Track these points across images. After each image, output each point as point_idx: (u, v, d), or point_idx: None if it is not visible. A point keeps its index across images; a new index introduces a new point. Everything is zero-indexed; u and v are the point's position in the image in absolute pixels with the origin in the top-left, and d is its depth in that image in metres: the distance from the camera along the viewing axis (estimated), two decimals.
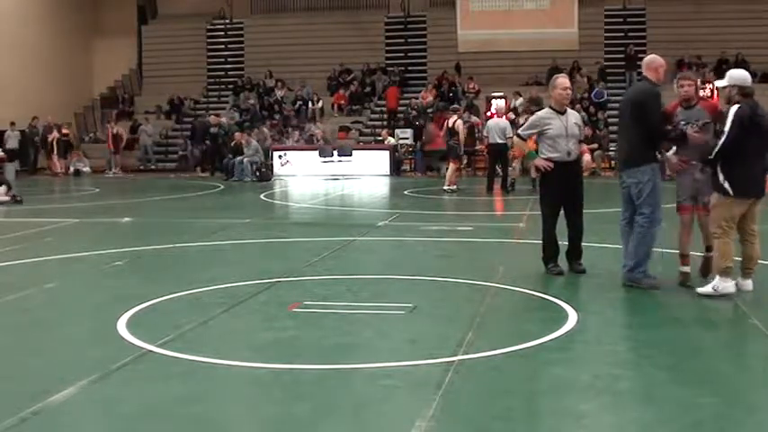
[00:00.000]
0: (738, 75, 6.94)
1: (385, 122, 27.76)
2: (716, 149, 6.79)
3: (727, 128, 6.76)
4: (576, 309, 6.52)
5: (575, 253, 8.04)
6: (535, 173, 17.46)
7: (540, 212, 8.22)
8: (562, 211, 8.06)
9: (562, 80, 8.05)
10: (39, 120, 26.98)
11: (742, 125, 6.68)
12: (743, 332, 6.11)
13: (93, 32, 32.77)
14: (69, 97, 30.15)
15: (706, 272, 7.47)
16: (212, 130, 25.38)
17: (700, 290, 6.90)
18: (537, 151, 8.05)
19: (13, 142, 25.79)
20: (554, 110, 7.99)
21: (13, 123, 26.05)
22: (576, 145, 7.97)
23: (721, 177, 6.83)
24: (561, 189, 7.96)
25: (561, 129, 7.84)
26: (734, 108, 6.79)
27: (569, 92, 8.08)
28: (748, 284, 7.02)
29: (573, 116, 8.09)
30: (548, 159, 7.89)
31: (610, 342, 5.80)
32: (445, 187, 17.77)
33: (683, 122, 7.28)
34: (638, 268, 7.23)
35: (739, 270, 7.03)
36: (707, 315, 6.52)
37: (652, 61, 7.37)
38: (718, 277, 6.83)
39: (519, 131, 8.48)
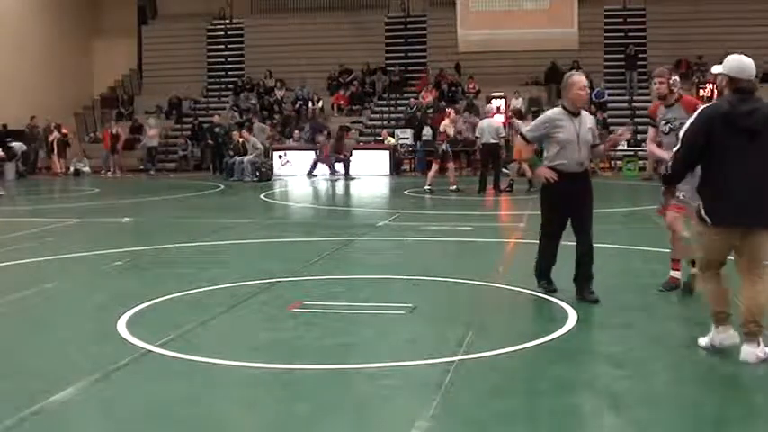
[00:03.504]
0: (733, 62, 5.25)
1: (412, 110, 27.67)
2: (670, 162, 5.44)
3: (682, 133, 5.38)
4: (576, 309, 6.51)
5: (584, 279, 6.90)
6: (530, 174, 17.59)
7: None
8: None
9: (578, 78, 6.94)
10: (37, 119, 26.99)
11: (706, 127, 5.17)
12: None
13: (93, 32, 32.77)
14: (69, 97, 30.15)
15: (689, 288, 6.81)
16: (216, 130, 25.69)
17: (700, 341, 5.46)
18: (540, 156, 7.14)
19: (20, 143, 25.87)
20: (568, 111, 6.87)
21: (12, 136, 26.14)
22: (588, 153, 6.94)
23: (698, 200, 5.34)
24: (567, 205, 6.86)
25: (573, 134, 6.76)
26: (702, 107, 5.54)
27: (587, 91, 6.98)
28: (748, 353, 5.08)
29: (588, 120, 6.99)
30: (553, 168, 6.81)
31: (610, 342, 5.79)
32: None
33: (663, 123, 7.03)
34: None
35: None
36: (707, 315, 6.50)
37: None
38: (713, 328, 5.37)
39: (524, 132, 7.29)
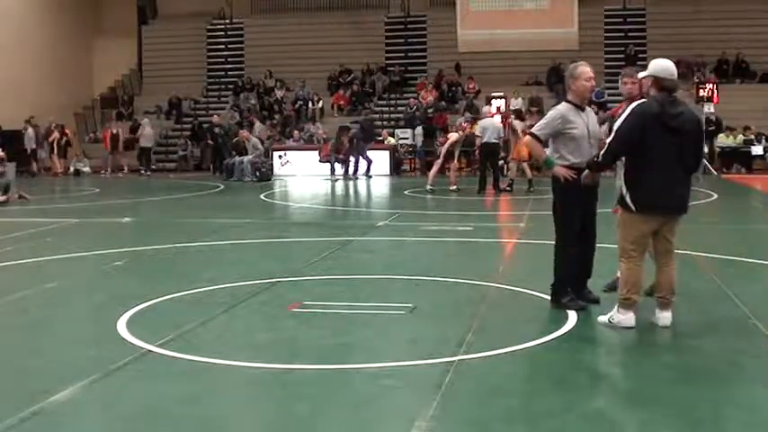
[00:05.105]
0: (658, 64, 5.89)
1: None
2: (603, 150, 5.96)
3: (616, 125, 5.88)
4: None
5: (584, 278, 6.74)
6: (529, 174, 17.57)
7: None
8: None
9: (584, 69, 6.55)
10: (37, 119, 26.96)
11: (640, 124, 5.73)
12: (743, 332, 6.09)
13: (93, 32, 32.78)
14: (69, 97, 30.15)
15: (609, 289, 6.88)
16: (216, 130, 25.73)
17: (599, 318, 6.08)
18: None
19: (29, 141, 25.84)
20: (575, 105, 6.55)
21: (28, 122, 26.09)
22: (596, 148, 6.48)
23: (623, 189, 5.88)
24: (583, 203, 6.55)
25: (584, 128, 6.48)
26: (634, 104, 5.98)
27: (594, 83, 6.60)
28: (665, 317, 5.95)
29: (591, 113, 6.75)
30: (569, 167, 6.43)
31: (609, 342, 5.80)
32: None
33: None
34: None
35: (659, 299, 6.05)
36: (707, 315, 6.52)
37: None
38: (616, 307, 5.95)
39: (535, 131, 6.66)
